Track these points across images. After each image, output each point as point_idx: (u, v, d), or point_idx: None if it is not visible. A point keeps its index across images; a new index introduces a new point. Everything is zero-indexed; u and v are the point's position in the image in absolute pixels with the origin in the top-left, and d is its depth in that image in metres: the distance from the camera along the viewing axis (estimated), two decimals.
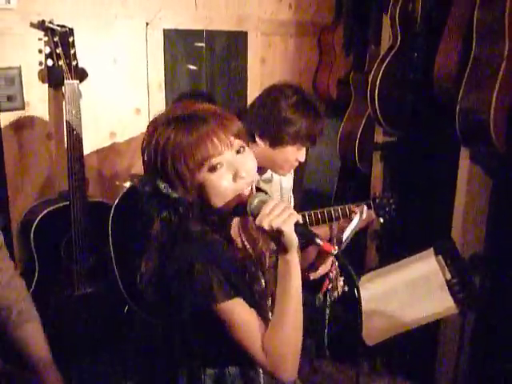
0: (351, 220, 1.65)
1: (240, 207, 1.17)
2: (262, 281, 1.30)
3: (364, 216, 1.51)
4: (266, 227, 1.10)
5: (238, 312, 1.15)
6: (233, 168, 1.15)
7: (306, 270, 1.48)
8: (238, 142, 1.17)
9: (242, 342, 1.17)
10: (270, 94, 1.79)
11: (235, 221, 1.31)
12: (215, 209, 1.18)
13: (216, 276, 1.12)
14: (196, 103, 1.22)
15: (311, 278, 1.48)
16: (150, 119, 2.48)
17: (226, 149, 1.14)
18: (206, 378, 1.29)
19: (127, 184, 2.40)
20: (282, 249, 1.14)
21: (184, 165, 1.12)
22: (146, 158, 1.19)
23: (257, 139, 1.73)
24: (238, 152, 1.17)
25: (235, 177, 1.15)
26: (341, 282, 1.50)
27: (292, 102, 1.73)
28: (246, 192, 1.17)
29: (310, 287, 1.48)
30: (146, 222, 1.24)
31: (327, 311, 1.54)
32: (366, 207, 1.50)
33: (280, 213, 1.11)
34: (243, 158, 1.17)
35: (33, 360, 1.52)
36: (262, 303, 1.26)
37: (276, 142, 1.73)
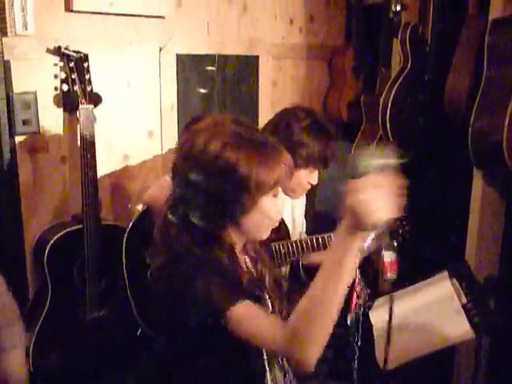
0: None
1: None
2: (268, 301, 1.31)
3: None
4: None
5: (247, 312, 1.12)
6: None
7: None
8: None
9: (256, 339, 1.13)
10: (282, 117, 1.81)
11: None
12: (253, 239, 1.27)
13: (216, 286, 1.12)
14: (253, 126, 1.26)
15: None
16: (163, 142, 2.52)
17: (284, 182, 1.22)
18: None
19: (140, 207, 2.40)
20: (355, 227, 1.01)
21: (254, 186, 1.14)
22: (183, 179, 1.17)
23: None
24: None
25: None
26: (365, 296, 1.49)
27: (305, 124, 1.75)
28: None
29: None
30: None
31: (359, 329, 1.53)
32: None
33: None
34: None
35: None
36: None
37: None
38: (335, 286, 1.04)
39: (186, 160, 1.18)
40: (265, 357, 1.28)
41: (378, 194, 0.96)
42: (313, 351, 1.07)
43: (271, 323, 1.13)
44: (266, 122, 1.90)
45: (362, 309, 1.55)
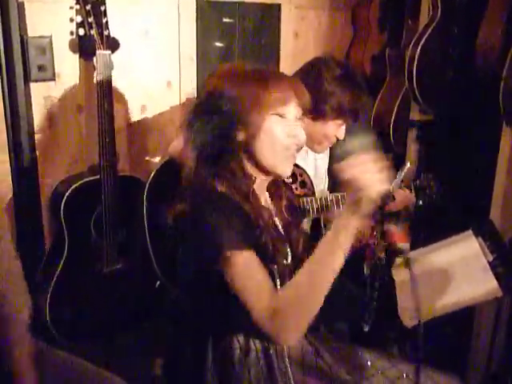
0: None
1: None
2: (288, 248, 1.32)
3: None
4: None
5: (246, 263, 1.12)
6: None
7: None
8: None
9: (244, 294, 1.11)
10: (313, 66, 1.77)
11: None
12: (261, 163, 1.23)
13: (227, 229, 1.12)
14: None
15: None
16: (181, 93, 2.44)
17: (296, 105, 1.24)
18: (234, 348, 1.28)
19: (157, 159, 2.36)
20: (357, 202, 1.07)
21: (251, 104, 1.18)
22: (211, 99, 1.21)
23: None
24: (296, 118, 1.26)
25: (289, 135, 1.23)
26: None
27: (335, 74, 1.71)
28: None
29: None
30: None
31: (376, 285, 1.51)
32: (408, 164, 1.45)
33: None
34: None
35: None
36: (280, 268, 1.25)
37: (317, 114, 1.70)
38: (327, 270, 1.09)
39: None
40: None
41: (369, 168, 1.05)
42: (291, 336, 1.12)
43: (263, 288, 1.12)
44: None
45: (384, 261, 1.53)
